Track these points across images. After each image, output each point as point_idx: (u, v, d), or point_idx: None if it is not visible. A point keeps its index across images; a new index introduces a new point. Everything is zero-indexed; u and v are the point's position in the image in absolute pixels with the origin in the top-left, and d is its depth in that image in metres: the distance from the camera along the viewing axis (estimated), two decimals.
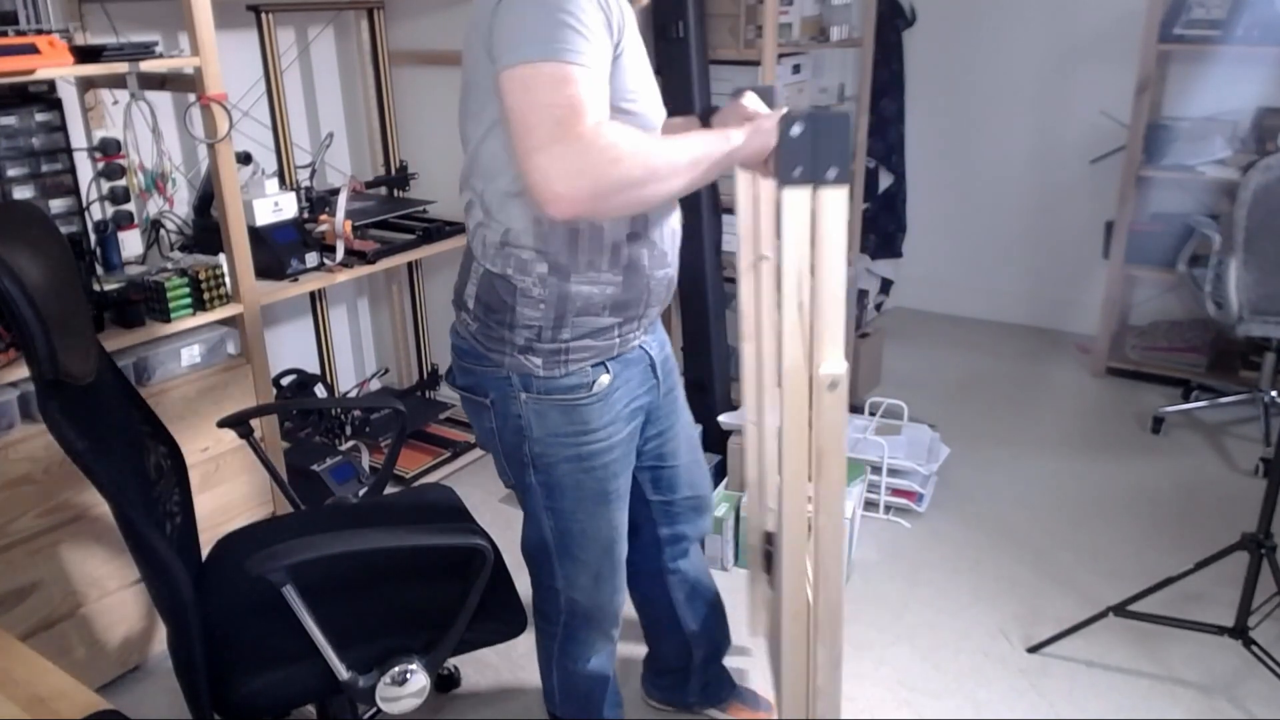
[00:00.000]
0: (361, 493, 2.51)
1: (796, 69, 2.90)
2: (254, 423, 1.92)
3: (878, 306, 4.30)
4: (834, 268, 1.19)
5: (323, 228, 2.54)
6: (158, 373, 2.15)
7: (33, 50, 1.84)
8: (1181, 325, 3.73)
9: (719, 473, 2.69)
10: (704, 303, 2.81)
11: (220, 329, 2.26)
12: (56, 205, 2.12)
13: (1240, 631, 2.09)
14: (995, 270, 4.34)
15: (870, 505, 2.82)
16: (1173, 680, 2.16)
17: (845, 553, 2.37)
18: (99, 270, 2.23)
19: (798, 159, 1.15)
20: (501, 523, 2.64)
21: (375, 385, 3.28)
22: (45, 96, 2.11)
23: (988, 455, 3.17)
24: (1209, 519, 2.78)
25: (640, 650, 2.12)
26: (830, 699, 1.45)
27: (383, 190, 3.06)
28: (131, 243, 2.37)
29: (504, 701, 2.13)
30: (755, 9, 2.64)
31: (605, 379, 1.47)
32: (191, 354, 2.21)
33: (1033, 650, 2.26)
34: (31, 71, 1.86)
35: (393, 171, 3.05)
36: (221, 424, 1.88)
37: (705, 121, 1.59)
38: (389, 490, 2.01)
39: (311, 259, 2.47)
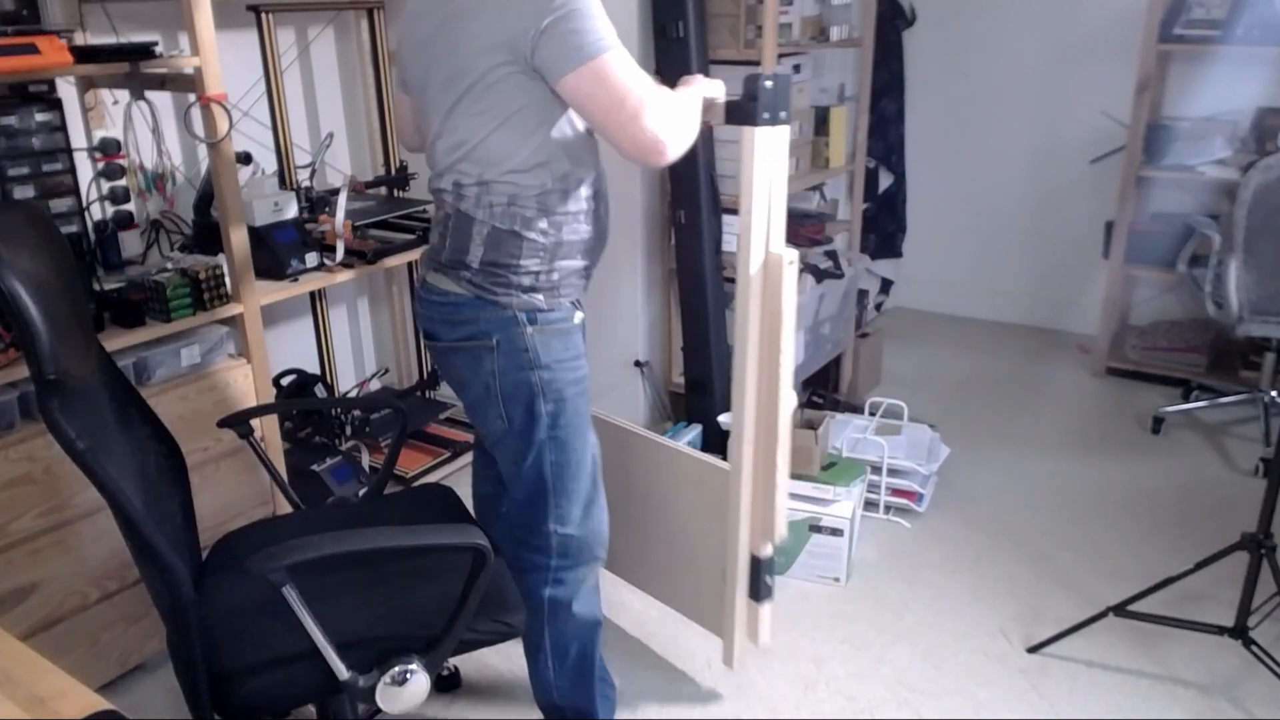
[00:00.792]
0: (361, 493, 2.51)
1: (796, 69, 2.90)
2: (254, 423, 1.92)
3: (878, 306, 4.30)
4: (782, 178, 1.78)
5: (323, 228, 2.54)
6: (158, 373, 2.15)
7: (33, 50, 1.84)
8: (1181, 325, 3.73)
9: None
10: (704, 303, 2.81)
11: (220, 329, 2.26)
12: (56, 205, 2.12)
13: (1240, 631, 2.09)
14: (995, 270, 4.34)
15: (870, 505, 2.82)
16: (1173, 680, 2.16)
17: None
18: (99, 270, 2.23)
19: (767, 106, 1.66)
20: None
21: (375, 385, 3.28)
22: (45, 96, 2.11)
23: (988, 455, 3.17)
24: (1209, 519, 2.78)
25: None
26: (781, 519, 1.99)
27: (383, 190, 3.06)
28: (131, 243, 2.37)
29: (504, 701, 2.13)
30: (755, 9, 2.63)
31: (580, 315, 1.76)
32: (191, 354, 2.21)
33: (1033, 650, 2.26)
34: (31, 71, 1.85)
35: (393, 171, 3.05)
36: (221, 424, 1.88)
37: None
38: (389, 490, 2.01)
39: (311, 259, 2.47)
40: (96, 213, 2.28)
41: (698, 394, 2.91)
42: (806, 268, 3.11)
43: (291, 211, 2.47)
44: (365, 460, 2.77)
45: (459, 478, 2.97)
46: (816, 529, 2.50)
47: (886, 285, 4.33)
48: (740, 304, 1.85)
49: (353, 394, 3.20)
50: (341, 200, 2.55)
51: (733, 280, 2.95)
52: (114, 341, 2.03)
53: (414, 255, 2.72)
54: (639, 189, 2.77)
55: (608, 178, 1.77)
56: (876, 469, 2.79)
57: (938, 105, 4.24)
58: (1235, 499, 2.88)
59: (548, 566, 1.82)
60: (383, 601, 1.57)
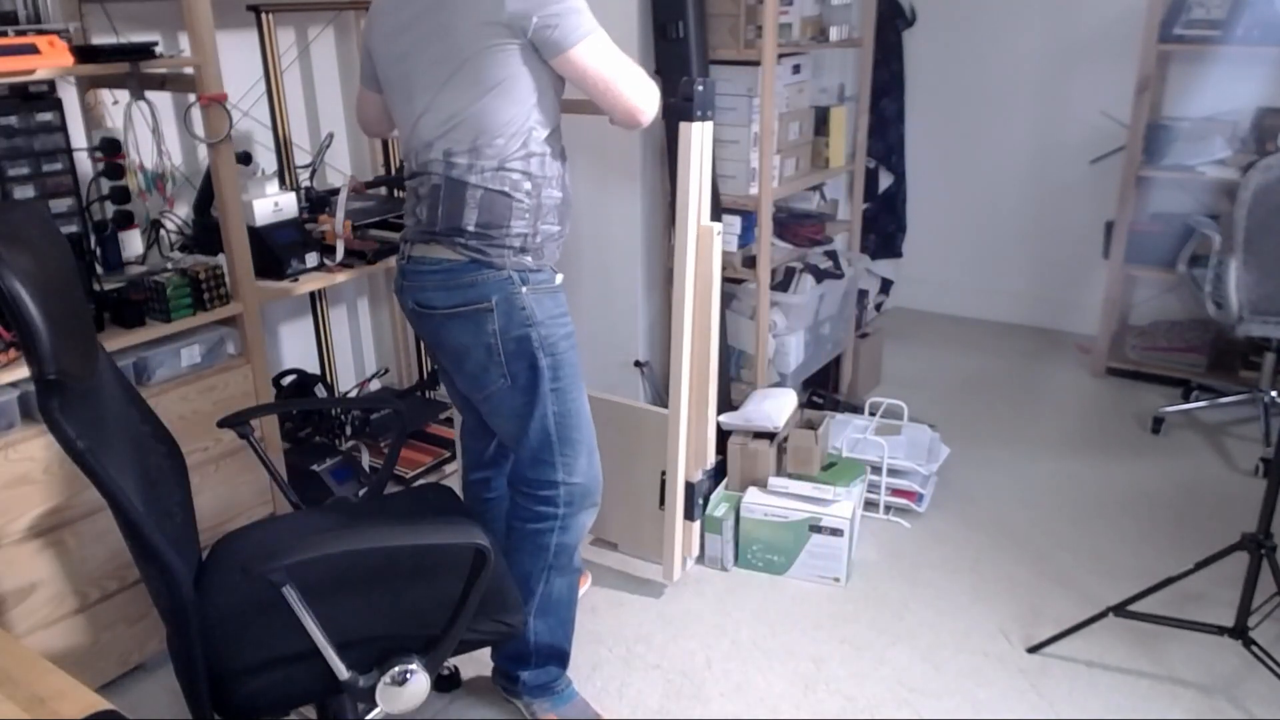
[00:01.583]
0: (361, 493, 2.51)
1: (796, 69, 2.89)
2: (254, 423, 1.92)
3: (878, 306, 4.30)
4: (709, 164, 2.19)
5: (323, 228, 2.54)
6: (158, 373, 2.15)
7: (33, 50, 1.84)
8: (1181, 325, 3.73)
9: (719, 473, 2.69)
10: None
11: (220, 329, 2.26)
12: (56, 205, 2.12)
13: (1240, 631, 2.09)
14: (995, 270, 4.34)
15: (870, 505, 2.82)
16: (1173, 680, 2.16)
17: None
18: (99, 270, 2.23)
19: (700, 105, 2.07)
20: None
21: (375, 385, 3.28)
22: (45, 96, 2.11)
23: (988, 455, 3.17)
24: (1209, 519, 2.78)
25: None
26: (710, 450, 2.44)
27: (383, 190, 3.06)
28: (131, 243, 2.36)
29: (504, 701, 2.13)
30: (755, 9, 2.63)
31: (560, 278, 1.89)
32: (191, 354, 2.21)
33: (1033, 650, 2.26)
34: (31, 71, 1.86)
35: (393, 171, 3.05)
36: (221, 424, 1.88)
37: None
38: (389, 490, 2.01)
39: (311, 259, 2.47)
40: (96, 213, 2.28)
41: None
42: (806, 268, 3.11)
43: (291, 211, 2.47)
44: (365, 460, 2.77)
45: (459, 478, 2.97)
46: (816, 529, 2.50)
47: (886, 285, 4.32)
48: (677, 268, 2.23)
49: (353, 394, 3.19)
50: (341, 200, 2.55)
51: (733, 280, 2.96)
52: (114, 341, 2.03)
53: None
54: (639, 189, 2.77)
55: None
56: (876, 469, 2.79)
57: (938, 105, 4.24)
58: (1235, 499, 2.88)
59: (556, 516, 1.93)
60: (383, 601, 1.57)
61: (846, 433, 2.90)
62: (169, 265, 2.25)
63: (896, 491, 2.83)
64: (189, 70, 2.11)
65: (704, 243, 2.22)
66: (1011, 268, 4.29)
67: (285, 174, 2.71)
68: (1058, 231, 4.13)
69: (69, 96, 2.28)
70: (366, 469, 2.72)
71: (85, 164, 2.27)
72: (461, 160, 1.74)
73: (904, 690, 2.16)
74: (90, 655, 2.08)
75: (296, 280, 2.42)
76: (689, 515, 2.45)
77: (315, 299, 2.90)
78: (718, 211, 2.80)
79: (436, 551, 1.65)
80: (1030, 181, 4.14)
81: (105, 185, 2.29)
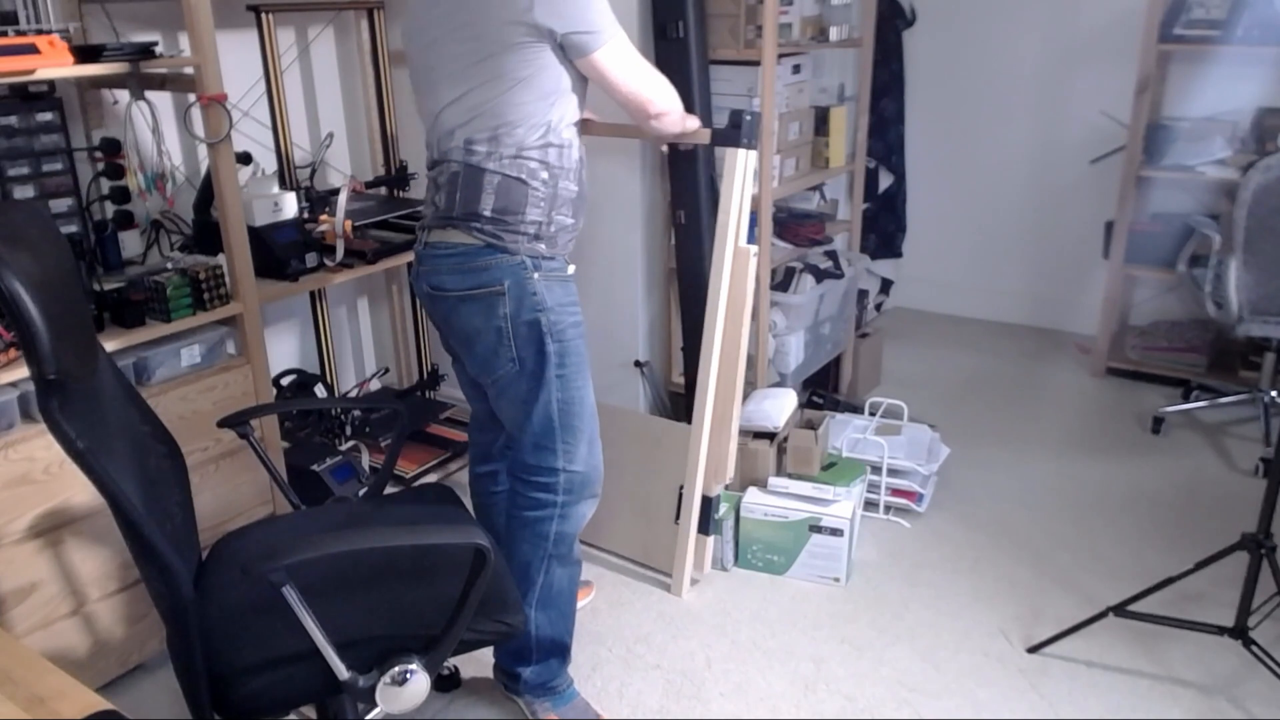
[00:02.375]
0: (361, 493, 2.51)
1: (796, 69, 2.89)
2: (254, 423, 1.92)
3: (878, 306, 4.30)
4: (749, 186, 2.25)
5: (323, 228, 2.54)
6: (158, 373, 2.15)
7: (33, 50, 1.84)
8: (1181, 325, 3.73)
9: None
10: (704, 303, 2.80)
11: (220, 329, 2.26)
12: (56, 205, 2.12)
13: (1240, 631, 2.09)
14: (995, 270, 4.34)
15: (870, 505, 2.82)
16: (1173, 680, 2.16)
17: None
18: (99, 270, 2.23)
19: (746, 134, 2.15)
20: None
21: (375, 385, 3.28)
22: (45, 96, 2.11)
23: (988, 455, 3.17)
24: (1209, 519, 2.78)
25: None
26: (730, 464, 2.46)
27: (383, 190, 3.06)
28: (131, 243, 2.37)
29: (504, 701, 2.13)
30: (755, 9, 2.63)
31: (571, 268, 1.93)
32: (191, 354, 2.21)
33: (1033, 650, 2.26)
34: (31, 71, 1.85)
35: (393, 171, 3.05)
36: (221, 424, 1.88)
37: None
38: (389, 490, 2.01)
39: (311, 259, 2.47)
40: (96, 213, 2.28)
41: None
42: (806, 268, 3.11)
43: (291, 211, 2.47)
44: (365, 460, 2.77)
45: (459, 478, 2.97)
46: (816, 529, 2.50)
47: (886, 285, 4.33)
48: (712, 287, 2.30)
49: (353, 394, 3.20)
50: (341, 200, 2.55)
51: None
52: (114, 341, 2.04)
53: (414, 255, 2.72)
54: (639, 189, 2.77)
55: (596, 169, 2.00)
56: (876, 469, 2.79)
57: (938, 105, 4.24)
58: (1235, 499, 2.88)
59: (555, 504, 1.95)
60: (383, 601, 1.57)
61: (846, 433, 2.90)
62: (169, 265, 2.25)
63: (896, 491, 2.83)
64: (189, 70, 2.11)
65: (740, 263, 2.28)
66: (1011, 268, 4.29)
67: (285, 174, 2.71)
68: (1058, 231, 4.13)
69: (69, 96, 2.28)
70: (366, 469, 2.72)
71: (85, 164, 2.27)
72: (481, 148, 1.78)
73: (904, 690, 2.16)
74: (90, 655, 2.08)
75: (296, 280, 2.42)
76: (703, 529, 2.46)
77: (315, 299, 2.91)
78: (718, 212, 2.81)
79: (436, 551, 1.65)
80: (1030, 181, 4.14)
81: (105, 185, 2.29)
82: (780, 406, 2.72)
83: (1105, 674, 2.19)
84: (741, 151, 2.20)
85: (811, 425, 2.74)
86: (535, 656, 2.03)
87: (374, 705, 1.46)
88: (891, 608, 2.44)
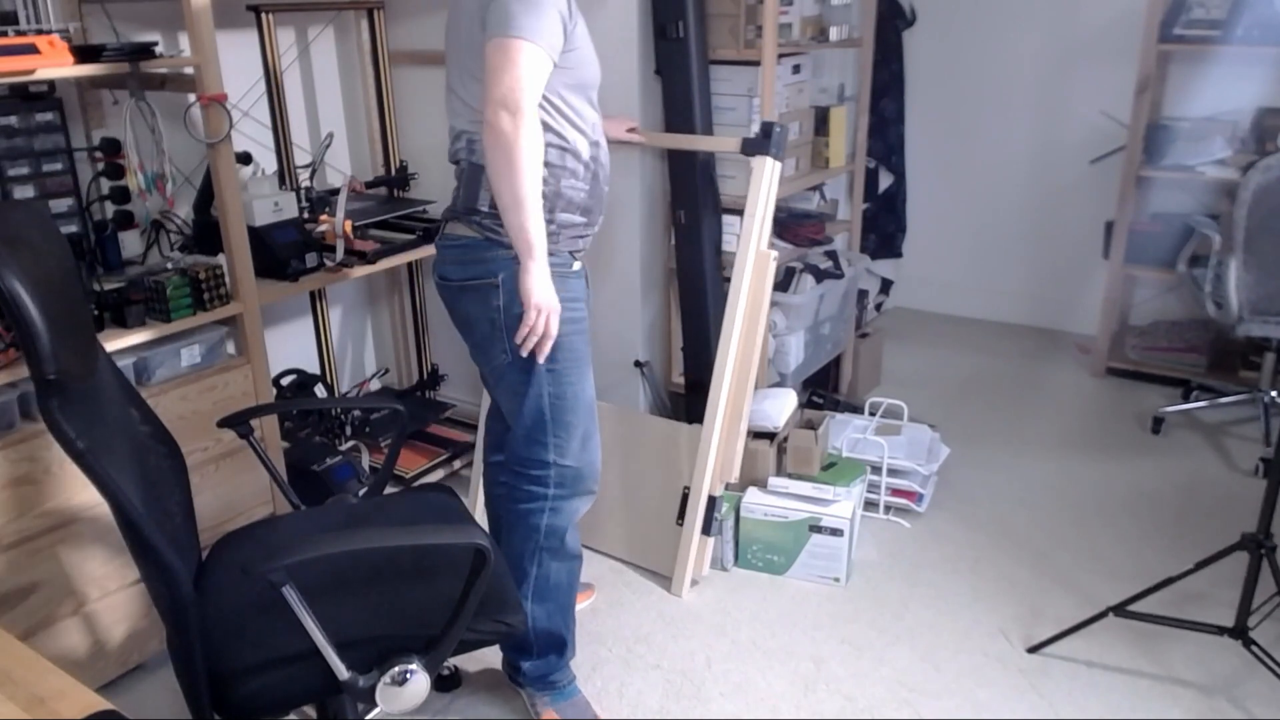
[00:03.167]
0: (361, 493, 2.51)
1: (796, 69, 2.89)
2: (254, 423, 1.92)
3: (878, 306, 4.30)
4: (773, 194, 2.37)
5: (323, 228, 2.54)
6: (158, 373, 2.15)
7: (33, 50, 1.84)
8: (1181, 325, 3.73)
9: None
10: (704, 303, 2.81)
11: (220, 329, 2.26)
12: (56, 205, 2.12)
13: (1240, 631, 2.09)
14: (995, 270, 4.34)
15: (870, 505, 2.82)
16: (1173, 680, 2.16)
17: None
18: (99, 270, 2.23)
19: (775, 145, 2.31)
20: None
21: (375, 385, 3.28)
22: (45, 96, 2.11)
23: (988, 455, 3.17)
24: (1209, 519, 2.78)
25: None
26: (736, 465, 2.49)
27: (383, 190, 3.06)
28: (131, 243, 2.37)
29: (504, 701, 2.13)
30: (755, 9, 2.63)
31: (577, 265, 1.93)
32: (191, 354, 2.21)
33: (1033, 650, 2.26)
34: (31, 71, 1.85)
35: (393, 171, 3.05)
36: (221, 424, 1.88)
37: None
38: (389, 490, 2.01)
39: (311, 259, 2.47)
40: (96, 213, 2.28)
41: (698, 394, 2.90)
42: (806, 268, 3.11)
43: (291, 211, 2.47)
44: (365, 460, 2.77)
45: (459, 478, 2.97)
46: (816, 529, 2.50)
47: (886, 285, 4.33)
48: (733, 289, 2.36)
49: (353, 394, 3.19)
50: (341, 200, 2.55)
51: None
52: (114, 341, 2.03)
53: (414, 255, 2.72)
54: (639, 189, 2.77)
55: (609, 163, 1.97)
56: (876, 469, 2.79)
57: (938, 105, 4.24)
58: (1235, 499, 2.88)
59: (546, 496, 1.96)
60: (383, 601, 1.57)
61: (846, 433, 2.90)
62: (169, 265, 2.25)
63: (896, 491, 2.83)
64: (189, 70, 2.11)
65: (760, 267, 2.35)
66: (1011, 268, 4.29)
67: (285, 174, 2.71)
68: (1058, 231, 4.13)
69: (69, 96, 2.28)
70: (366, 469, 2.72)
71: (85, 164, 2.27)
72: (479, 146, 1.79)
73: (904, 690, 2.16)
74: (90, 655, 2.08)
75: (296, 280, 2.42)
76: (706, 530, 2.47)
77: (315, 299, 2.90)
78: (718, 211, 2.81)
79: (436, 551, 1.65)
80: (1030, 181, 4.14)
81: (105, 185, 2.29)
82: (780, 406, 2.72)
83: (1105, 674, 2.19)
84: (769, 160, 2.29)
85: (811, 425, 2.74)
86: (535, 650, 2.05)
87: (374, 705, 1.46)
88: (891, 608, 2.44)
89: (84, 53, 1.97)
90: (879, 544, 2.70)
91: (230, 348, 2.30)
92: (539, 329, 1.78)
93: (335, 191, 2.65)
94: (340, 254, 2.52)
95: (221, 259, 2.25)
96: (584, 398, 1.95)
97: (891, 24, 3.99)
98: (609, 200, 2.00)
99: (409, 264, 3.15)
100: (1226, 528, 2.70)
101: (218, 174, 2.17)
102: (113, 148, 2.24)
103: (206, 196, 2.36)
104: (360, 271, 2.56)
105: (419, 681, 1.46)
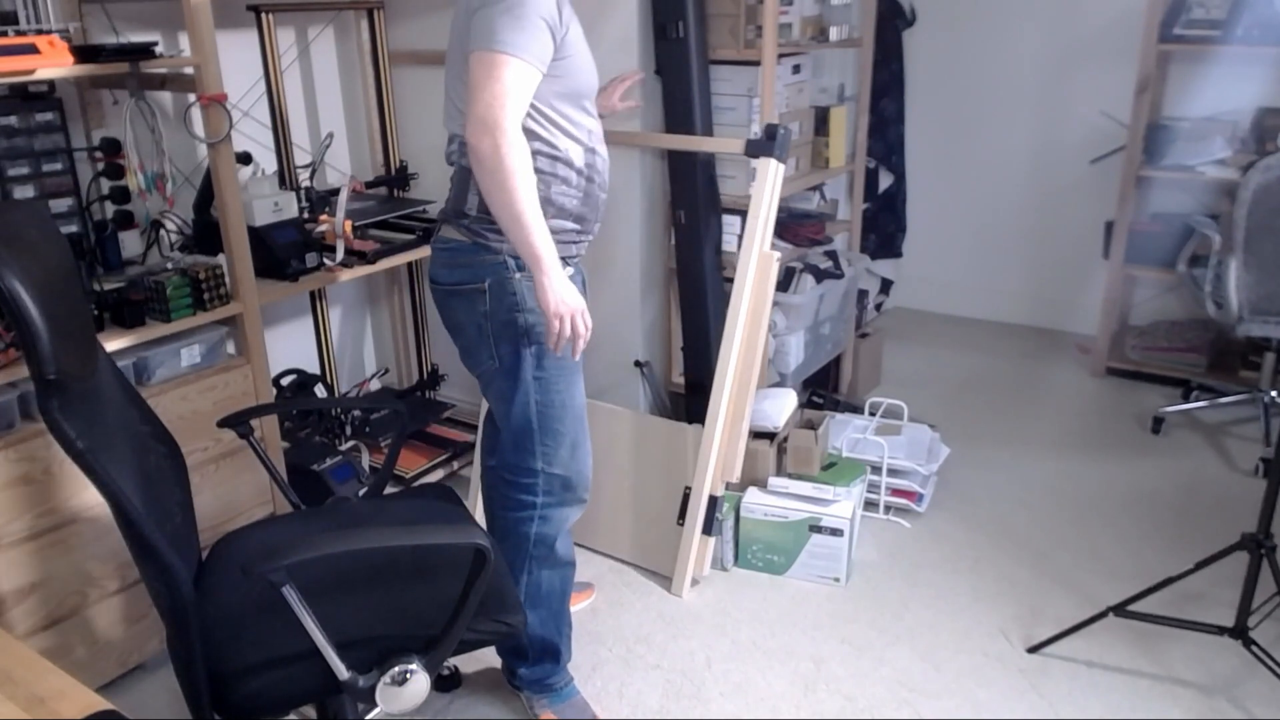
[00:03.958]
0: (361, 493, 2.51)
1: (796, 69, 2.89)
2: (254, 423, 1.92)
3: (878, 306, 4.30)
4: (776, 195, 2.38)
5: (323, 228, 2.54)
6: (158, 373, 2.15)
7: (33, 50, 1.84)
8: (1181, 325, 3.73)
9: None
10: (704, 303, 2.81)
11: (220, 329, 2.26)
12: (56, 205, 2.12)
13: (1240, 631, 2.09)
14: (995, 270, 4.34)
15: (870, 505, 2.82)
16: (1173, 680, 2.16)
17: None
18: (99, 270, 2.23)
19: (779, 147, 2.33)
20: None
21: (375, 385, 3.28)
22: (45, 96, 2.11)
23: (988, 455, 3.17)
24: (1209, 519, 2.78)
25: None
26: (738, 465, 2.48)
27: (383, 190, 3.06)
28: (131, 243, 2.37)
29: (504, 701, 2.13)
30: (755, 9, 2.63)
31: (569, 270, 1.84)
32: (191, 354, 2.21)
33: (1033, 650, 2.26)
34: (31, 71, 1.86)
35: (393, 171, 3.05)
36: (221, 424, 1.88)
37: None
38: (389, 490, 2.01)
39: (311, 259, 2.47)
40: (96, 213, 2.28)
41: (698, 394, 2.90)
42: (806, 268, 3.11)
43: (291, 211, 2.47)
44: (365, 460, 2.77)
45: (459, 478, 2.97)
46: (816, 529, 2.50)
47: (886, 285, 4.33)
48: (736, 289, 2.37)
49: (353, 394, 3.19)
50: (341, 200, 2.55)
51: (733, 280, 2.96)
52: (114, 341, 2.04)
53: (414, 255, 2.72)
54: (639, 189, 2.77)
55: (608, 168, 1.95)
56: (876, 469, 2.79)
57: (938, 105, 4.24)
58: (1235, 499, 2.88)
59: (534, 504, 1.94)
60: (383, 601, 1.57)
61: (846, 433, 2.90)
62: (169, 265, 2.25)
63: (896, 491, 2.83)
64: (189, 70, 2.11)
65: (763, 267, 2.37)
66: (1011, 268, 4.29)
67: (285, 174, 2.71)
68: (1058, 231, 4.13)
69: (69, 96, 2.28)
70: (366, 469, 2.72)
71: (85, 164, 2.27)
72: (469, 150, 1.77)
73: (904, 690, 2.16)
74: (90, 655, 2.08)
75: (296, 280, 2.42)
76: (707, 529, 2.47)
77: (315, 299, 2.90)
78: (718, 211, 2.81)
79: (436, 551, 1.65)
80: (1030, 181, 4.14)
81: (105, 185, 2.29)
82: (780, 406, 2.72)
83: (1105, 674, 2.19)
84: (773, 162, 2.31)
85: (811, 425, 2.74)
86: (530, 655, 2.05)
87: (374, 705, 1.46)
88: (891, 608, 2.44)
89: (84, 53, 1.97)
90: (879, 544, 2.70)
91: (230, 348, 2.30)
92: (565, 334, 1.73)
93: (335, 191, 2.65)
94: (340, 254, 2.52)
95: (221, 259, 2.25)
96: (572, 406, 1.92)
97: (891, 24, 3.99)
98: (609, 201, 1.99)
99: (409, 264, 3.15)
100: (1226, 528, 2.70)
101: (218, 174, 2.17)
102: (113, 148, 2.24)
103: (206, 196, 2.36)
104: (360, 271, 2.56)
105: (419, 681, 1.46)
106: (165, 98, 2.50)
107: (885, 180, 4.18)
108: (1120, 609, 2.16)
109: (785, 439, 2.69)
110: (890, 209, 4.25)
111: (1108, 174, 3.79)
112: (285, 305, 2.98)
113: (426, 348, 3.29)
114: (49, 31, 1.99)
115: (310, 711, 1.97)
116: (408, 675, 1.45)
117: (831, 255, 3.22)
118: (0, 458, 1.87)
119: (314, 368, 2.96)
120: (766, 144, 2.32)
